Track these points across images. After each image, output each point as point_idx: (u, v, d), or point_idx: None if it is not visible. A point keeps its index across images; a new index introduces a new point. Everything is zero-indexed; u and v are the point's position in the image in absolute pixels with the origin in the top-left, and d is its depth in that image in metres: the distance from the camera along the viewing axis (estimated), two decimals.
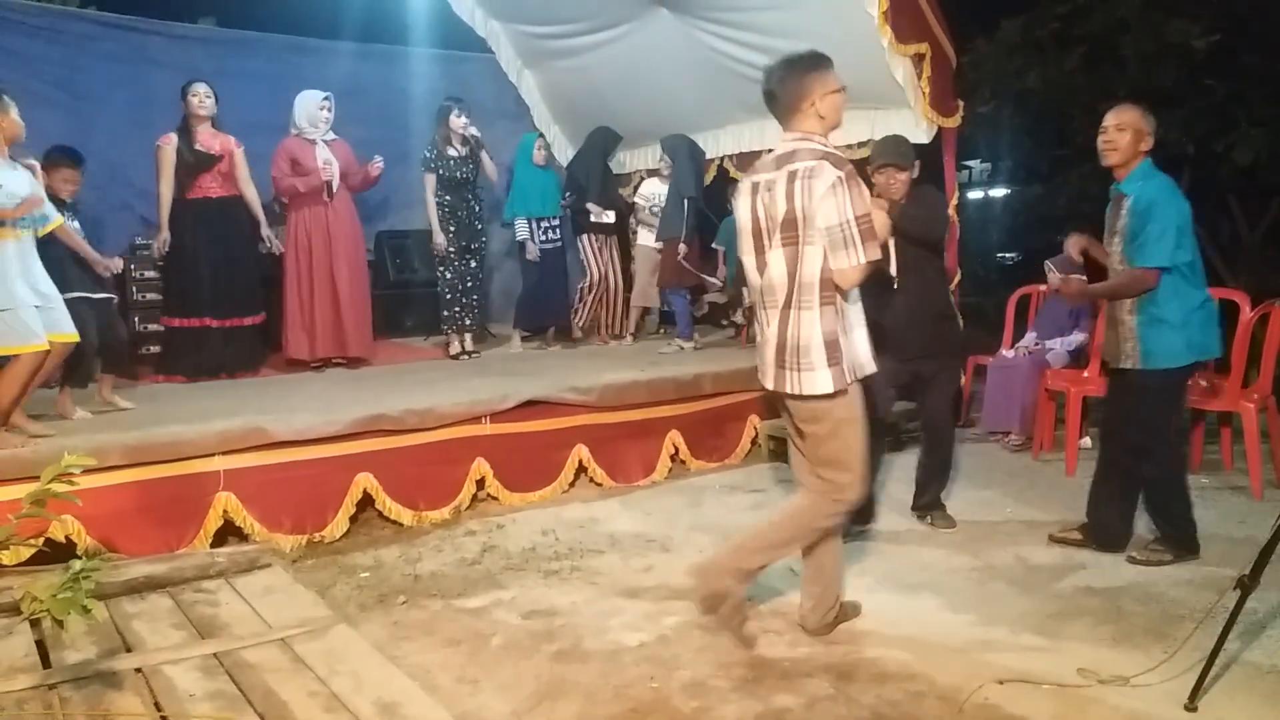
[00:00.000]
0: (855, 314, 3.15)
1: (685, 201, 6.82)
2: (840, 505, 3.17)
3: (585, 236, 7.33)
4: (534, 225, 6.99)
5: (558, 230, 7.12)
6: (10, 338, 3.93)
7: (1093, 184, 10.53)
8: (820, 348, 3.02)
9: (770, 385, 3.18)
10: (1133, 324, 3.84)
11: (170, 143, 5.68)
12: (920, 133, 6.17)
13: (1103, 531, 4.09)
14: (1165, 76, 7.93)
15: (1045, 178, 10.42)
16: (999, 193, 15.26)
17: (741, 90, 7.14)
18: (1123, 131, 3.92)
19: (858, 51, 5.96)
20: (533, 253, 6.94)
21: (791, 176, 3.00)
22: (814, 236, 2.97)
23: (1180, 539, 3.94)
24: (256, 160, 6.22)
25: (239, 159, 5.84)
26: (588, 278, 7.39)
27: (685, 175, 6.95)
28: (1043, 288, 6.27)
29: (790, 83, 3.08)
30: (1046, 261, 6.12)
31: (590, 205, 7.17)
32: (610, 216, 7.22)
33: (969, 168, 16.07)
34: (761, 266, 3.14)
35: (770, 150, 3.27)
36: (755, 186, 3.14)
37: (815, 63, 3.11)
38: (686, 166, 6.95)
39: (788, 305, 3.07)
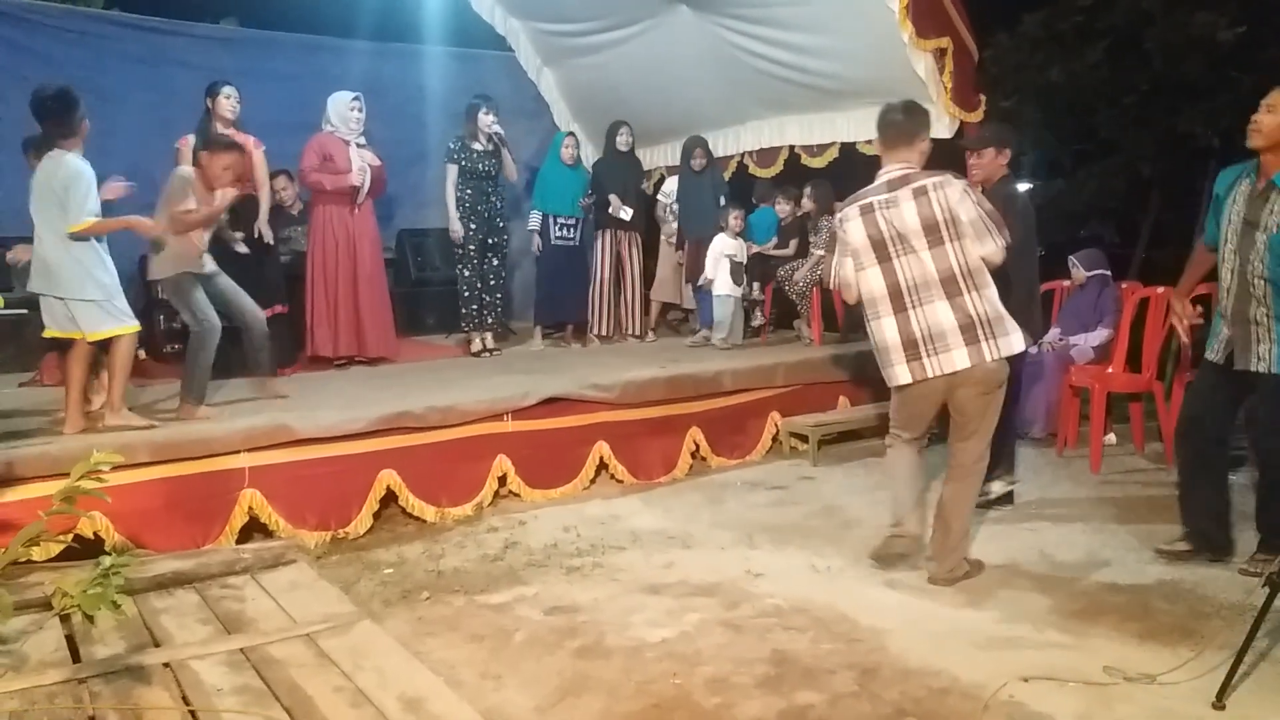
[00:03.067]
0: None
1: (723, 198, 6.80)
2: (981, 472, 3.82)
3: (603, 233, 7.29)
4: (551, 221, 7.00)
5: (574, 230, 7.11)
6: (109, 321, 4.11)
7: (1116, 178, 10.48)
8: (1006, 316, 3.59)
9: (956, 366, 3.56)
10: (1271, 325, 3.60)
11: (188, 144, 5.70)
12: (942, 127, 6.12)
13: (1204, 540, 3.92)
14: (1190, 69, 7.85)
15: (1068, 172, 10.35)
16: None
17: (762, 87, 7.14)
18: (1273, 113, 3.52)
19: (879, 46, 5.95)
20: (536, 244, 6.95)
21: (919, 191, 3.57)
22: (963, 231, 3.53)
23: None
24: (277, 159, 6.26)
25: (258, 160, 5.84)
26: (596, 279, 7.33)
27: (720, 174, 6.94)
28: (1066, 283, 6.23)
29: (919, 117, 3.74)
30: (1070, 256, 6.09)
31: (611, 197, 7.11)
32: (627, 213, 7.16)
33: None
34: (903, 270, 3.61)
35: (879, 177, 3.75)
36: (868, 207, 3.66)
37: (928, 113, 3.86)
38: (717, 165, 6.95)
39: (960, 292, 3.55)
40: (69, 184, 4.02)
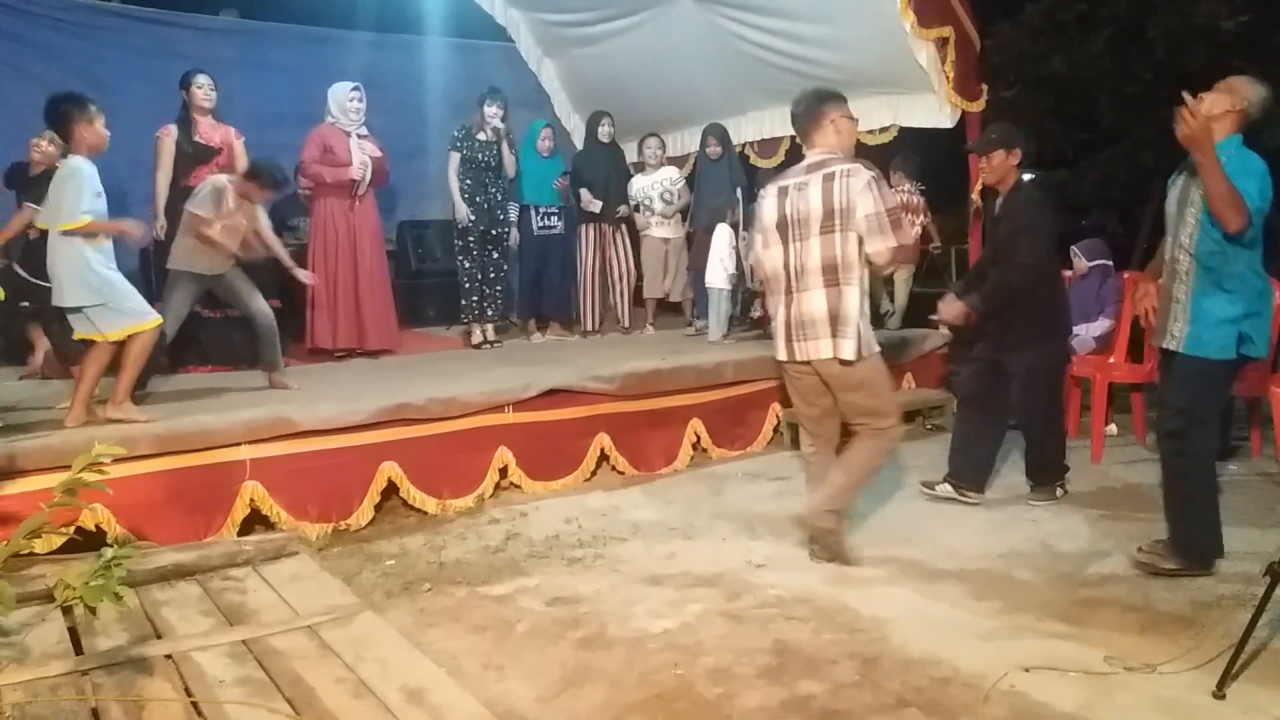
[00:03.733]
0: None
1: (739, 190, 6.79)
2: (890, 442, 3.86)
3: (585, 227, 7.24)
4: (533, 212, 6.98)
5: (556, 218, 7.08)
6: (123, 320, 4.14)
7: (1118, 168, 10.46)
8: (854, 318, 3.61)
9: (820, 355, 3.67)
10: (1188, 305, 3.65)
11: (170, 134, 5.68)
12: (944, 117, 6.13)
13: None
14: (1193, 59, 7.82)
15: (1070, 162, 10.33)
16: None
17: (763, 77, 7.12)
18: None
19: (881, 36, 5.94)
20: (514, 238, 6.93)
21: (828, 177, 3.60)
22: (853, 225, 3.54)
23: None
24: (277, 151, 6.24)
25: (239, 151, 5.81)
26: (581, 272, 7.29)
27: (737, 164, 6.91)
28: (1068, 273, 6.22)
29: (821, 100, 3.76)
30: (1072, 246, 6.08)
31: (581, 191, 7.09)
32: (595, 206, 7.07)
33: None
34: (794, 254, 3.69)
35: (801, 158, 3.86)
36: (784, 189, 3.74)
37: (835, 93, 3.83)
38: (734, 155, 6.92)
39: (835, 283, 3.61)
40: (61, 183, 4.03)
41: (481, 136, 6.45)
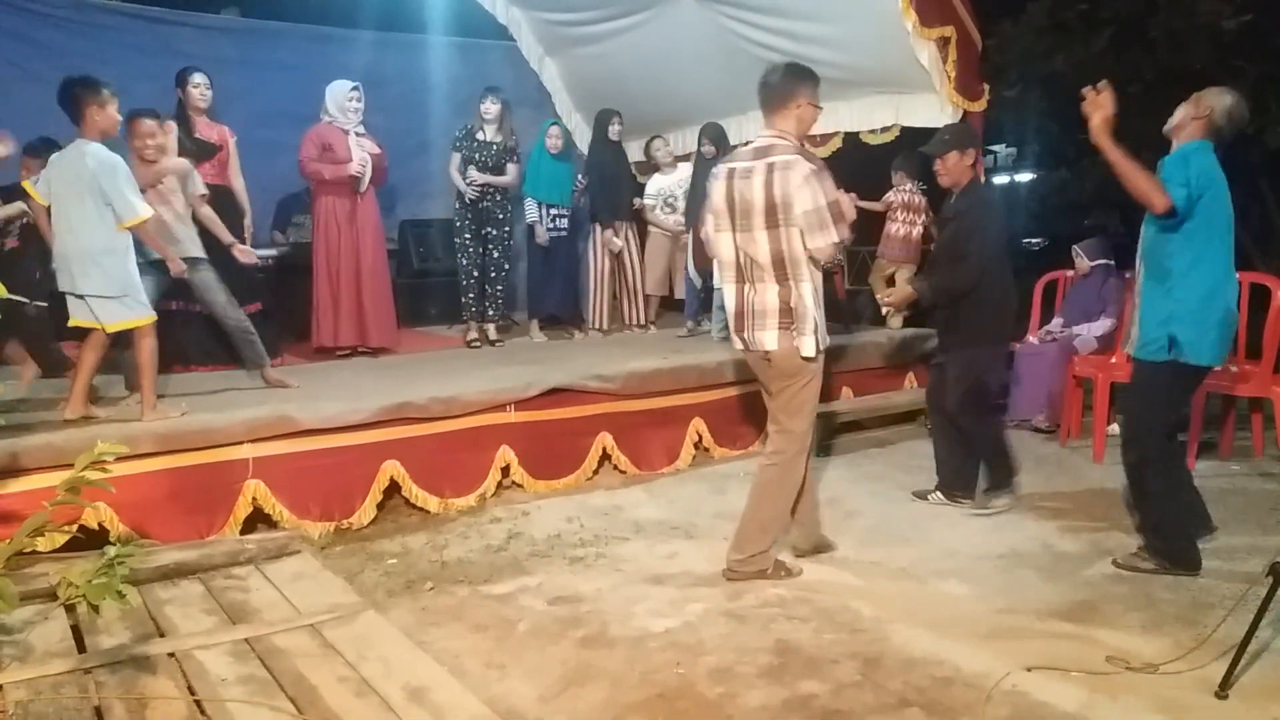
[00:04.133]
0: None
1: None
2: (786, 469, 3.72)
3: (595, 227, 7.24)
4: (544, 211, 6.98)
5: (565, 220, 7.09)
6: (127, 314, 4.14)
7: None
8: (809, 316, 3.54)
9: (766, 346, 3.61)
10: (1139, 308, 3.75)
11: (171, 131, 5.69)
12: (945, 117, 6.11)
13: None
14: (1196, 58, 7.80)
15: (1072, 162, 10.30)
16: (1024, 177, 15.13)
17: None
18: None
19: (882, 35, 5.93)
20: (541, 235, 6.91)
21: (770, 168, 3.48)
22: (793, 220, 3.44)
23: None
24: (279, 150, 6.25)
25: (233, 149, 5.80)
26: (593, 272, 7.29)
27: None
28: (1069, 273, 6.22)
29: (794, 80, 3.58)
30: (1075, 246, 6.08)
31: (598, 230, 7.11)
32: (616, 245, 7.08)
33: (994, 152, 15.94)
34: (742, 243, 3.60)
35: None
36: (732, 173, 3.62)
37: (812, 74, 3.65)
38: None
39: (783, 279, 3.54)
40: (107, 174, 4.03)
41: (481, 136, 6.45)
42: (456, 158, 6.42)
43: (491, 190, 6.50)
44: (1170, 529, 3.69)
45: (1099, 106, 3.51)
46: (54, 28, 6.73)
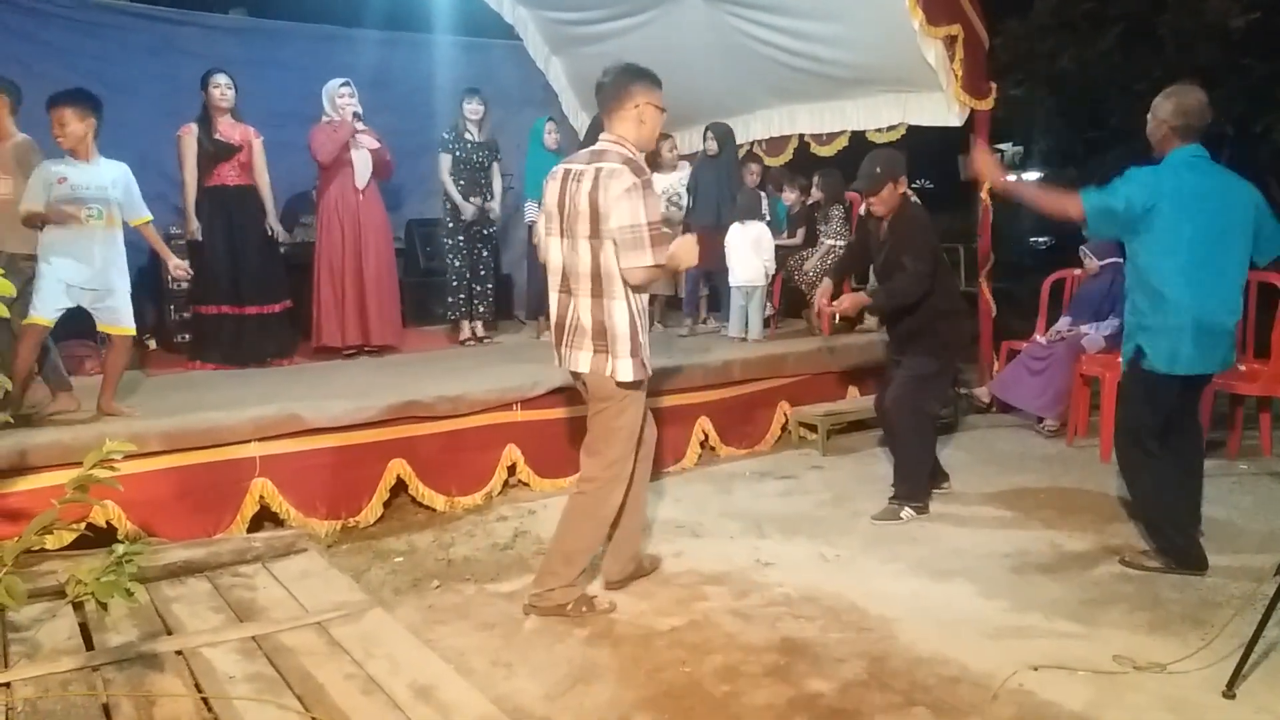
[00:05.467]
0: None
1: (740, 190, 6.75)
2: (595, 499, 3.42)
3: None
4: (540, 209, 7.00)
5: None
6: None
7: (1127, 166, 10.41)
8: (626, 338, 3.28)
9: (578, 367, 3.37)
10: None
11: (190, 133, 5.72)
12: (952, 116, 6.11)
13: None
14: (1203, 56, 7.79)
15: (1079, 160, 10.30)
16: (1031, 176, 15.10)
17: (771, 75, 7.11)
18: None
19: (889, 34, 5.92)
20: (538, 235, 6.91)
21: (597, 174, 3.24)
22: (609, 234, 3.21)
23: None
24: (286, 150, 6.25)
25: (257, 149, 5.84)
26: None
27: (735, 163, 6.89)
28: (1077, 271, 6.21)
29: (621, 80, 3.33)
30: (1082, 246, 6.06)
31: None
32: None
33: (1001, 151, 15.86)
34: (568, 250, 3.34)
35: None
36: (568, 174, 3.36)
37: (649, 73, 3.39)
38: (734, 155, 6.90)
39: (599, 294, 3.28)
40: (126, 181, 4.26)
41: (470, 137, 6.50)
42: (447, 159, 6.48)
43: (483, 190, 6.56)
44: (1169, 529, 3.70)
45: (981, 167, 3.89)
46: (61, 27, 6.74)
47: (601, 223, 3.21)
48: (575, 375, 3.46)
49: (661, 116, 3.41)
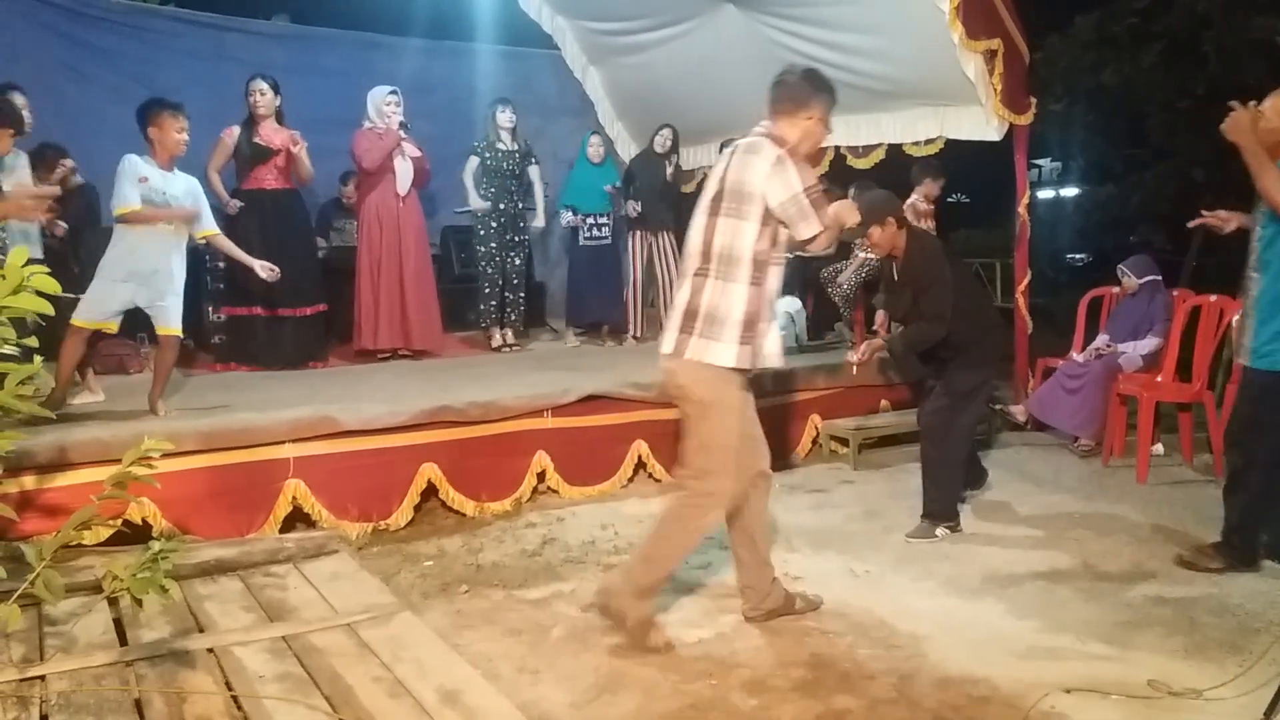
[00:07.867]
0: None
1: None
2: (701, 513, 3.18)
3: (633, 234, 7.30)
4: (581, 220, 7.05)
5: (605, 228, 7.14)
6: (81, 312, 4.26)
7: (1168, 184, 10.29)
8: (730, 324, 3.04)
9: (663, 349, 3.16)
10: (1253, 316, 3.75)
11: (231, 135, 5.84)
12: (991, 130, 6.06)
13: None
14: (1249, 73, 7.68)
15: (1118, 177, 10.20)
16: (1070, 192, 14.97)
17: None
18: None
19: (928, 47, 5.89)
20: (579, 226, 7.00)
21: (733, 153, 3.13)
22: (751, 212, 3.02)
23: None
24: (327, 154, 6.33)
25: (299, 155, 5.90)
26: (630, 280, 7.35)
27: None
28: (1115, 289, 6.13)
29: (805, 87, 3.18)
30: (1120, 265, 5.98)
31: (629, 203, 7.16)
32: (635, 209, 7.13)
33: (1039, 166, 15.79)
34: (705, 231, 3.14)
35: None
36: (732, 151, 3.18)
37: (831, 90, 3.23)
38: None
39: (706, 273, 3.09)
40: (197, 193, 4.53)
41: (502, 146, 6.57)
42: (474, 161, 6.63)
43: (516, 198, 6.62)
44: (1250, 531, 3.79)
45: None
46: (107, 31, 6.88)
47: (745, 201, 3.02)
48: (664, 357, 3.18)
49: (824, 135, 3.25)
